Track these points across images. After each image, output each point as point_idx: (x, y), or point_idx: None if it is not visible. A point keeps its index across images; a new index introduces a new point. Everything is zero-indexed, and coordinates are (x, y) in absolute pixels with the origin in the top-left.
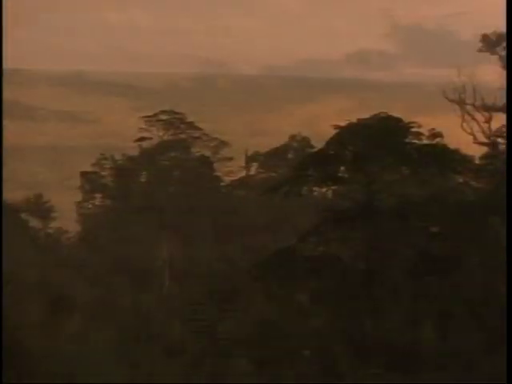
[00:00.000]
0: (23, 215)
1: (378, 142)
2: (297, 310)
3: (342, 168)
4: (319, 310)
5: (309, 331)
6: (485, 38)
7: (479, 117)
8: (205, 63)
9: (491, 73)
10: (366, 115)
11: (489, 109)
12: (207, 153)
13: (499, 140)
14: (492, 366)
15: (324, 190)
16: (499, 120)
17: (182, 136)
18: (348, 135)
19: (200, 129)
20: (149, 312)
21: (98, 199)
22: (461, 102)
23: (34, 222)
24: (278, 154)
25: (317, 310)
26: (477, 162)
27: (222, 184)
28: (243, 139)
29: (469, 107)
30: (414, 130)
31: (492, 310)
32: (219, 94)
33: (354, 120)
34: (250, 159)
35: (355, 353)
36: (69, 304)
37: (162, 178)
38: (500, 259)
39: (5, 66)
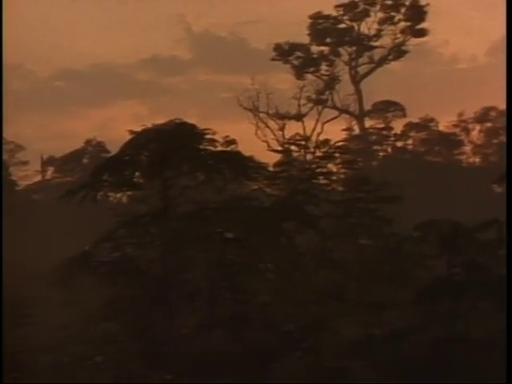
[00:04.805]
0: None
1: (174, 147)
2: (91, 315)
3: (138, 173)
4: (114, 315)
5: (103, 336)
6: (278, 47)
7: (273, 125)
8: None
9: (284, 81)
10: (160, 121)
11: (282, 117)
12: (3, 156)
13: (293, 147)
14: (284, 368)
15: (119, 195)
16: (292, 128)
17: None
18: (143, 140)
19: None
20: None
21: None
22: (254, 110)
23: None
24: (73, 158)
25: (111, 315)
26: (270, 169)
27: (18, 188)
28: (38, 143)
29: (262, 115)
30: (208, 136)
31: (284, 314)
32: (14, 96)
33: (149, 125)
34: (45, 163)
35: (150, 358)
36: None
37: None
38: (295, 264)
39: None
